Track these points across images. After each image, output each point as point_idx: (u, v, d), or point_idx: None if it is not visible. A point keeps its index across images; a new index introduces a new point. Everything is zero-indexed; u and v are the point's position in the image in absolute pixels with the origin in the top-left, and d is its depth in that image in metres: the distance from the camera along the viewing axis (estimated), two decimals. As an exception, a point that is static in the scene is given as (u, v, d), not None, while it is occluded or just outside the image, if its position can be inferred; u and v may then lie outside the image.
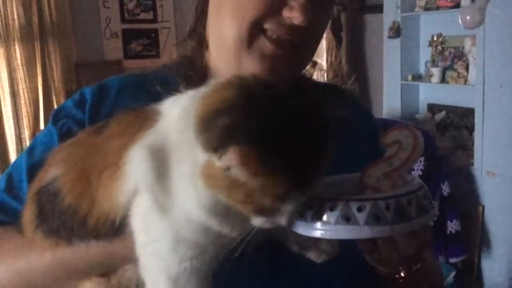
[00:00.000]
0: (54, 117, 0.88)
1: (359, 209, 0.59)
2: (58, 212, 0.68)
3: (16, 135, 3.55)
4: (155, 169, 0.60)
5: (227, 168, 0.54)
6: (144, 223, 0.62)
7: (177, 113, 0.62)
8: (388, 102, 3.86)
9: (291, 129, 0.54)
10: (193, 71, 0.87)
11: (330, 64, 4.04)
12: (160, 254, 0.62)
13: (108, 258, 0.69)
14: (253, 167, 0.53)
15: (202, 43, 0.89)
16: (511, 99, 2.99)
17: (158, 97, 0.70)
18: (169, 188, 0.60)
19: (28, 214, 0.73)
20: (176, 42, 1.00)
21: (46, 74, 3.63)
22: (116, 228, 0.64)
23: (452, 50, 3.56)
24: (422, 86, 3.81)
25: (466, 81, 3.38)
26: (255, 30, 0.77)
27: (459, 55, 3.50)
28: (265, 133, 0.52)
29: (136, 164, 0.61)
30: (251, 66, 0.78)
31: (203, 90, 0.62)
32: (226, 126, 0.51)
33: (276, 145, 0.53)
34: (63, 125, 0.86)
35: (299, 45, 0.80)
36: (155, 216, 0.61)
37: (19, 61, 3.52)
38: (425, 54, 3.74)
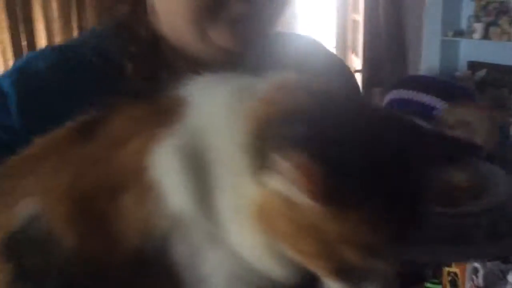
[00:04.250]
0: None
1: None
2: (58, 264, 0.46)
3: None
4: (195, 187, 0.45)
5: (293, 205, 0.39)
6: (193, 257, 0.47)
7: (214, 109, 0.48)
8: (427, 58, 3.72)
9: (390, 158, 0.40)
10: (136, 45, 0.68)
11: (367, 19, 3.92)
12: None
13: None
14: (337, 198, 0.37)
15: (139, 8, 0.69)
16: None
17: (104, 77, 0.60)
18: (214, 213, 0.45)
19: None
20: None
21: (82, 28, 3.63)
22: (146, 270, 0.47)
23: (497, 5, 3.39)
24: (463, 42, 3.65)
25: (510, 37, 3.24)
26: None
27: (504, 9, 3.34)
28: (356, 156, 0.39)
29: (170, 181, 0.45)
30: (219, 35, 0.64)
31: (241, 83, 0.49)
32: (300, 136, 0.39)
33: (373, 174, 0.38)
34: None
35: None
36: (205, 247, 0.46)
37: (55, 13, 3.52)
38: (468, 8, 3.59)
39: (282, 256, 0.44)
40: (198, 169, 0.45)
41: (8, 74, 0.67)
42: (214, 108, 0.47)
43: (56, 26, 3.53)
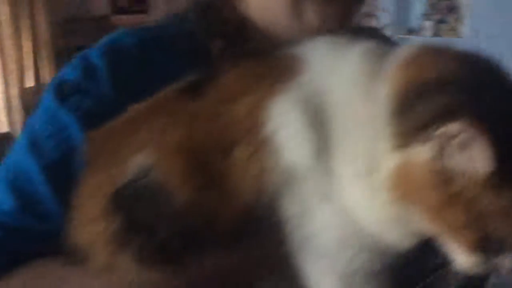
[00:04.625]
0: (57, 93, 0.63)
1: None
2: (168, 216, 0.47)
3: (3, 91, 3.48)
4: (314, 143, 0.45)
5: (446, 174, 0.38)
6: (302, 212, 0.47)
7: (342, 69, 0.47)
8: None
9: None
10: (223, 26, 0.68)
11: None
12: (326, 249, 0.47)
13: (237, 270, 0.51)
14: (507, 168, 0.37)
15: None
16: (501, 52, 2.97)
17: (190, 56, 0.60)
18: (331, 171, 0.45)
19: (98, 232, 0.50)
20: None
21: (33, 30, 3.54)
22: (255, 226, 0.47)
23: (446, 3, 3.51)
24: (414, 39, 3.77)
25: (458, 34, 3.35)
26: None
27: (453, 7, 3.46)
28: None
29: (288, 134, 0.45)
30: (314, 14, 0.63)
31: (369, 46, 0.48)
32: (465, 103, 0.38)
33: None
34: (78, 103, 0.62)
35: None
36: (315, 203, 0.46)
37: (3, 17, 3.42)
38: (418, 7, 3.68)
39: (406, 223, 0.44)
40: (318, 125, 0.45)
41: (97, 47, 0.67)
42: (340, 68, 0.47)
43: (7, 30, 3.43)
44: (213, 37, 0.67)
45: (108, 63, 0.64)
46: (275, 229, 0.48)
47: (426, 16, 3.60)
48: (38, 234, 0.57)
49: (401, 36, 3.66)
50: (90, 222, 0.51)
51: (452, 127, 0.37)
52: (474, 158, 0.37)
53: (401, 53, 0.47)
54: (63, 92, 0.62)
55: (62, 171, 0.58)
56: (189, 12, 0.72)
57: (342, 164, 0.45)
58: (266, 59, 0.51)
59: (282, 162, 0.46)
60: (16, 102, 3.40)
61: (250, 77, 0.50)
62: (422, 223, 0.42)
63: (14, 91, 3.51)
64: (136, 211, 0.48)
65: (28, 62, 3.53)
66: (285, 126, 0.46)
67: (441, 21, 3.51)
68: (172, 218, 0.47)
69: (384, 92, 0.44)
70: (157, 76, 0.56)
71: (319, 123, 0.46)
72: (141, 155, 0.49)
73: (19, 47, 3.50)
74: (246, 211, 0.46)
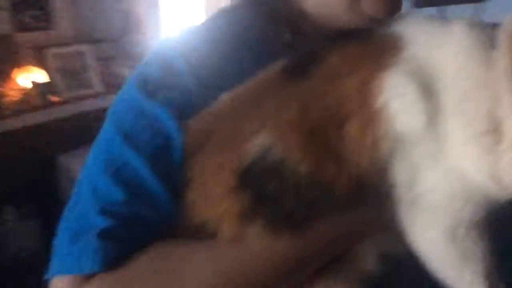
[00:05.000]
0: (143, 88, 0.64)
1: None
2: (292, 187, 0.51)
3: None
4: (426, 111, 0.49)
5: None
6: (412, 175, 0.51)
7: (448, 42, 0.51)
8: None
9: None
10: (289, 18, 0.69)
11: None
12: (433, 206, 0.52)
13: (351, 233, 0.56)
14: None
15: None
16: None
17: (263, 48, 0.64)
18: (441, 135, 0.50)
19: (226, 208, 0.54)
20: None
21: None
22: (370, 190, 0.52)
23: None
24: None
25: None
26: None
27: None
28: None
29: (401, 102, 0.49)
30: (370, 4, 0.64)
31: (471, 23, 0.52)
32: None
33: None
34: (166, 97, 0.63)
35: None
36: (425, 166, 0.51)
37: None
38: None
39: None
40: (429, 93, 0.49)
41: (168, 47, 0.70)
42: (445, 41, 0.51)
43: None
44: (282, 29, 0.69)
45: (185, 61, 0.65)
46: (387, 193, 0.52)
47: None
48: (151, 221, 0.60)
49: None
50: (217, 200, 0.54)
51: None
52: None
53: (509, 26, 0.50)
54: (149, 87, 0.64)
55: (162, 160, 0.60)
56: (241, 8, 0.74)
57: (460, 127, 0.49)
58: (366, 41, 0.55)
59: (395, 130, 0.49)
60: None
61: (354, 57, 0.53)
62: None
63: None
64: (264, 186, 0.52)
65: None
66: (397, 96, 0.49)
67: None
68: (296, 189, 0.51)
69: (503, 61, 0.48)
70: (235, 69, 0.62)
71: (430, 91, 0.50)
72: (260, 135, 0.52)
73: None
74: (361, 178, 0.51)
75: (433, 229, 0.53)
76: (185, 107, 0.61)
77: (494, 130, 0.49)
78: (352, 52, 0.54)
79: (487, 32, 0.51)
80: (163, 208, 0.60)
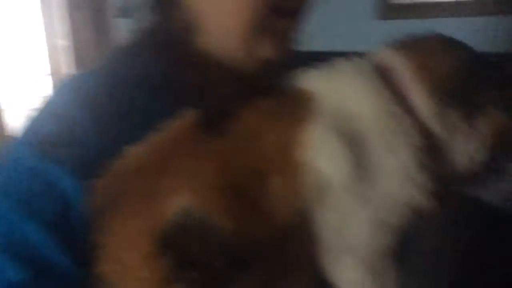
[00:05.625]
0: (37, 148, 0.60)
1: None
2: (217, 246, 0.50)
3: None
4: (351, 157, 0.51)
5: None
6: (341, 220, 0.52)
7: (349, 90, 0.55)
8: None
9: None
10: (190, 59, 0.68)
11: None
12: (360, 247, 0.53)
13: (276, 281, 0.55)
14: None
15: (188, 24, 0.68)
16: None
17: (162, 91, 0.63)
18: (367, 175, 0.52)
19: (146, 276, 0.50)
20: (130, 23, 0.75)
21: None
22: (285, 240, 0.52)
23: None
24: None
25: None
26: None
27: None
28: None
29: (325, 153, 0.51)
30: (265, 48, 0.67)
31: (351, 64, 0.58)
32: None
33: None
34: (64, 155, 0.59)
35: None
36: (354, 209, 0.52)
37: None
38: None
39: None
40: (350, 138, 0.51)
41: (61, 96, 0.65)
42: (348, 89, 0.54)
43: None
44: (185, 72, 0.68)
45: (82, 110, 0.61)
46: (313, 240, 0.53)
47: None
48: None
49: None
50: (134, 269, 0.51)
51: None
52: None
53: (381, 58, 0.57)
54: (41, 145, 0.59)
55: (65, 227, 0.56)
56: (136, 48, 0.72)
57: (379, 164, 0.52)
58: (277, 97, 0.56)
59: (321, 180, 0.51)
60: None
61: (269, 113, 0.54)
62: None
63: None
64: (186, 249, 0.50)
65: None
66: (320, 147, 0.51)
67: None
68: (220, 249, 0.50)
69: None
70: (134, 114, 0.61)
71: (350, 136, 0.52)
72: (178, 196, 0.50)
73: None
74: (284, 229, 0.51)
75: (357, 268, 0.54)
76: (85, 163, 0.57)
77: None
78: (266, 109, 0.55)
79: (370, 63, 0.57)
80: (70, 282, 0.56)
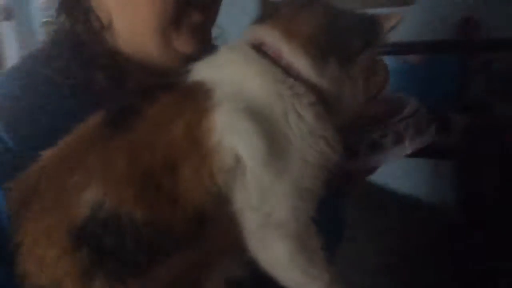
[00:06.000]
0: None
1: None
2: (131, 236, 0.52)
3: None
4: (263, 134, 0.53)
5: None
6: (260, 197, 0.54)
7: (238, 73, 0.57)
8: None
9: None
10: (101, 59, 0.70)
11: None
12: (281, 220, 0.55)
13: (195, 266, 0.57)
14: None
15: (94, 22, 0.71)
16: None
17: (71, 94, 0.64)
18: (280, 147, 0.54)
19: (64, 270, 0.52)
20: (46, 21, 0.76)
21: None
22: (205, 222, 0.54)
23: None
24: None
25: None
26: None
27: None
28: None
29: (235, 134, 0.53)
30: (181, 42, 0.70)
31: (231, 48, 0.62)
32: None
33: None
34: None
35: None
36: (272, 184, 0.54)
37: None
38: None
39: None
40: (257, 116, 0.54)
41: None
42: (239, 73, 0.57)
43: None
44: (96, 71, 0.69)
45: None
46: (227, 221, 0.55)
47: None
48: None
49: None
50: (52, 264, 0.52)
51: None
52: None
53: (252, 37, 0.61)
54: None
55: None
56: (52, 48, 0.72)
57: (286, 132, 0.55)
58: (176, 90, 0.58)
59: (234, 160, 0.53)
60: None
61: (171, 105, 0.56)
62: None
63: None
64: (101, 241, 0.52)
65: None
66: (231, 129, 0.53)
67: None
68: (134, 237, 0.52)
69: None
70: (51, 118, 0.62)
71: (257, 114, 0.54)
72: (90, 191, 0.52)
73: None
74: (199, 214, 0.53)
75: (283, 242, 0.55)
76: (4, 169, 0.58)
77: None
78: (168, 101, 0.56)
79: (247, 44, 0.61)
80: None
